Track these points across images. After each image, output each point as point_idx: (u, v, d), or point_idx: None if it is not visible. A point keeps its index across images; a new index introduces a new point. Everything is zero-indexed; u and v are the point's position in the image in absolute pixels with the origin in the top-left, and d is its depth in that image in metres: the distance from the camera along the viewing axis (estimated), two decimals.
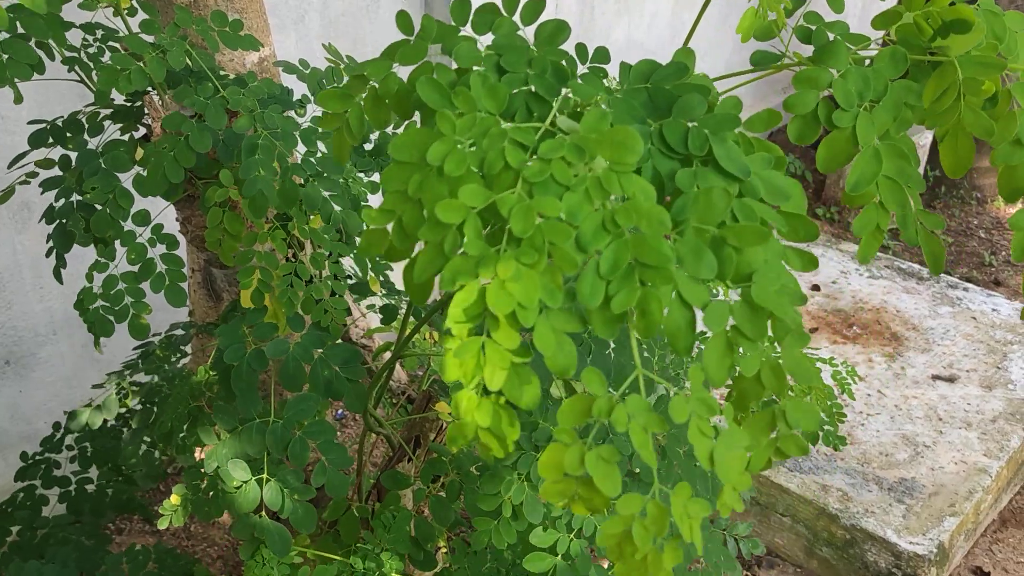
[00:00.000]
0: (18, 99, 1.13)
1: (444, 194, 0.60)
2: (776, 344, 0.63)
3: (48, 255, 1.25)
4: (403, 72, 0.73)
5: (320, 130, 1.22)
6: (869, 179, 0.70)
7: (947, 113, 0.69)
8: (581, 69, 0.73)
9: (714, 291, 0.63)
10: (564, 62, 0.70)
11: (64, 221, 1.18)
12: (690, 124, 0.65)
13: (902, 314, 2.97)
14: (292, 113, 1.33)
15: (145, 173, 1.11)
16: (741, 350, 0.61)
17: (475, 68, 0.68)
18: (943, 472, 2.32)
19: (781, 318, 0.60)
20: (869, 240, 0.74)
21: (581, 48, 0.76)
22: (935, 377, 2.68)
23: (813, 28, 0.73)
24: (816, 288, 3.10)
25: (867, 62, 0.72)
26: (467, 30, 0.74)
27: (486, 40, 0.73)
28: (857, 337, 2.88)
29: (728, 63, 3.66)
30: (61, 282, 1.27)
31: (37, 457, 1.53)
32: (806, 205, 0.67)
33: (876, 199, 0.72)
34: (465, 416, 0.60)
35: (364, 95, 0.72)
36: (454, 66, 0.70)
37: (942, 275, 3.17)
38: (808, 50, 0.78)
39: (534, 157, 0.61)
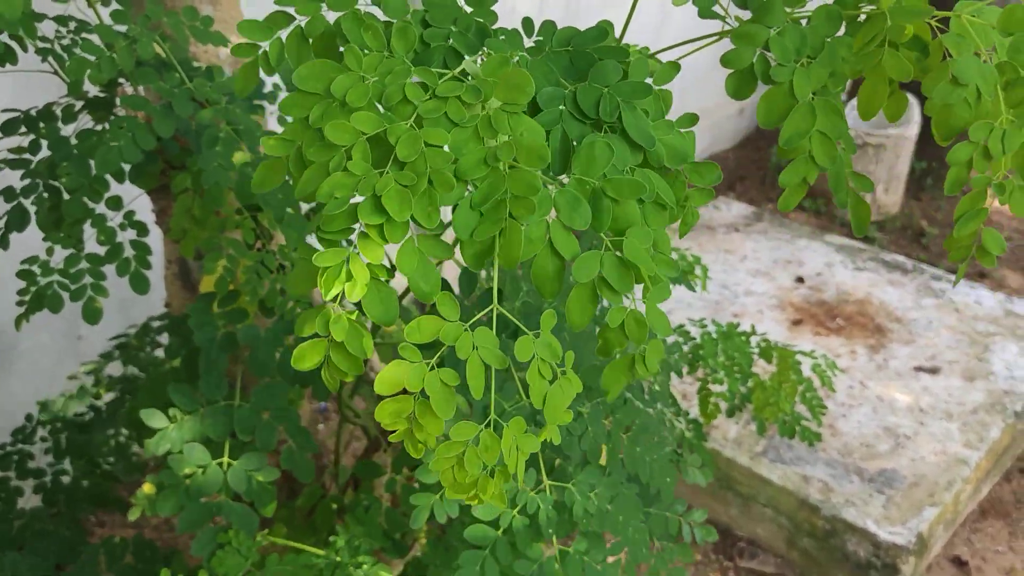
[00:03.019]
0: None
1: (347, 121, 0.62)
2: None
3: None
4: (331, 16, 0.73)
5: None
6: (803, 133, 0.72)
7: (870, 56, 0.72)
8: (527, 42, 0.74)
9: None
10: (490, 24, 0.72)
11: (23, 201, 1.18)
12: (604, 89, 0.66)
13: (886, 306, 2.98)
14: (265, 103, 1.33)
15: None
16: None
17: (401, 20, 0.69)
18: (924, 463, 2.34)
19: (648, 275, 0.63)
20: (792, 191, 0.76)
21: (527, 22, 0.77)
22: (918, 369, 2.70)
23: None
24: (801, 280, 3.11)
25: (804, 23, 0.74)
26: None
27: None
28: (841, 329, 2.89)
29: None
30: None
31: (8, 448, 1.53)
32: (695, 151, 0.70)
33: (807, 152, 0.73)
34: (320, 330, 0.60)
35: (288, 32, 0.72)
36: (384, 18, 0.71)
37: (925, 267, 3.18)
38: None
39: (433, 97, 0.63)
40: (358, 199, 0.60)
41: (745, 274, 3.14)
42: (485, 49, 0.68)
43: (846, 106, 2.99)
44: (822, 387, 2.13)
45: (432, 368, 0.62)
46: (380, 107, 0.65)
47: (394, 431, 0.65)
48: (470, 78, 0.65)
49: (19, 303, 1.25)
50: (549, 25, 0.80)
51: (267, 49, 0.71)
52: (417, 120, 0.62)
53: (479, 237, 0.61)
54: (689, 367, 1.59)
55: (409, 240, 0.61)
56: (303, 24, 0.71)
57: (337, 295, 0.60)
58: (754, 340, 1.67)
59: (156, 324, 1.65)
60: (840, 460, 2.35)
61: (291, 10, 0.72)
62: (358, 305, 0.62)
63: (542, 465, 0.65)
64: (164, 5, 1.42)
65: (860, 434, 2.44)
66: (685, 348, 1.70)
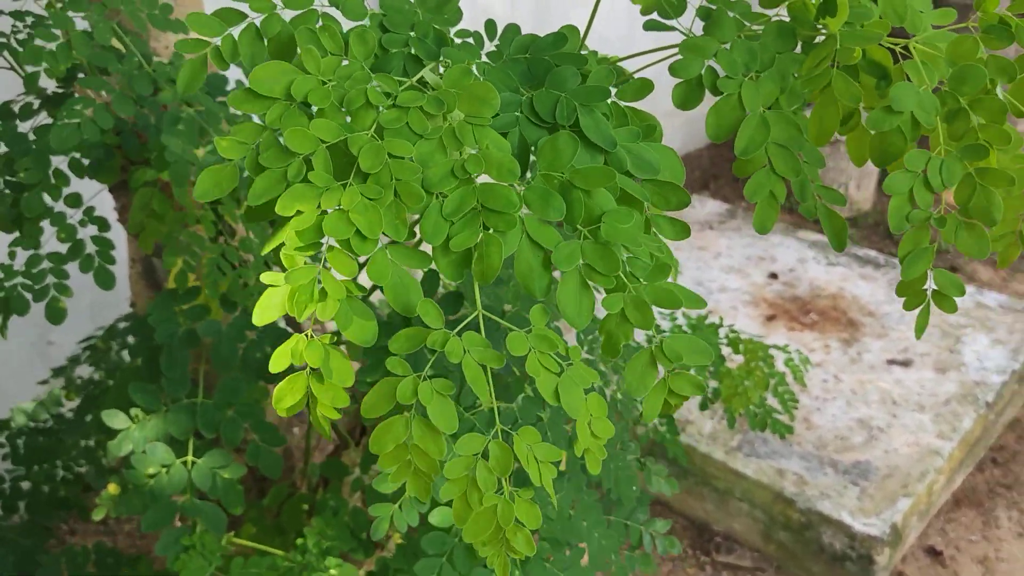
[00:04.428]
0: None
1: (306, 126, 0.60)
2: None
3: None
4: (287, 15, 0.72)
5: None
6: (757, 144, 0.69)
7: (819, 79, 0.70)
8: (488, 46, 0.73)
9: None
10: (451, 32, 0.70)
11: None
12: (561, 95, 0.65)
13: (859, 300, 3.00)
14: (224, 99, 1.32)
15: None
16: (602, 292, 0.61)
17: (359, 24, 0.68)
18: (897, 454, 2.35)
19: (634, 251, 0.60)
20: (764, 207, 0.73)
21: (490, 24, 0.76)
22: (890, 362, 2.71)
23: (714, 8, 0.74)
24: (774, 276, 3.12)
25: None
26: None
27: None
28: (815, 324, 2.90)
29: None
30: None
31: None
32: (683, 173, 0.66)
33: (767, 164, 0.71)
34: (295, 360, 0.58)
35: (242, 28, 0.70)
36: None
37: (897, 261, 3.20)
38: None
39: (394, 106, 0.61)
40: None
41: (719, 271, 3.15)
42: (442, 57, 0.67)
43: None
44: (795, 382, 2.14)
45: (424, 379, 0.60)
46: (342, 111, 0.63)
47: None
48: (430, 88, 0.64)
49: None
50: (512, 29, 0.79)
51: (219, 44, 0.69)
52: (378, 130, 0.61)
53: (456, 247, 0.59)
54: None
55: (381, 251, 0.58)
56: (258, 23, 0.69)
57: (310, 317, 0.57)
58: (722, 331, 1.67)
59: (123, 325, 1.62)
60: (815, 453, 2.36)
61: (244, 7, 0.70)
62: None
63: None
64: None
65: (834, 427, 2.45)
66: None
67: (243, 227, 1.20)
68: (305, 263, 0.57)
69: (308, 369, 0.60)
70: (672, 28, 0.80)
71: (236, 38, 0.70)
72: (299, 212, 0.57)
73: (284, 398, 0.60)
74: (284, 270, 0.58)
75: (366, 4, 0.73)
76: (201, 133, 1.13)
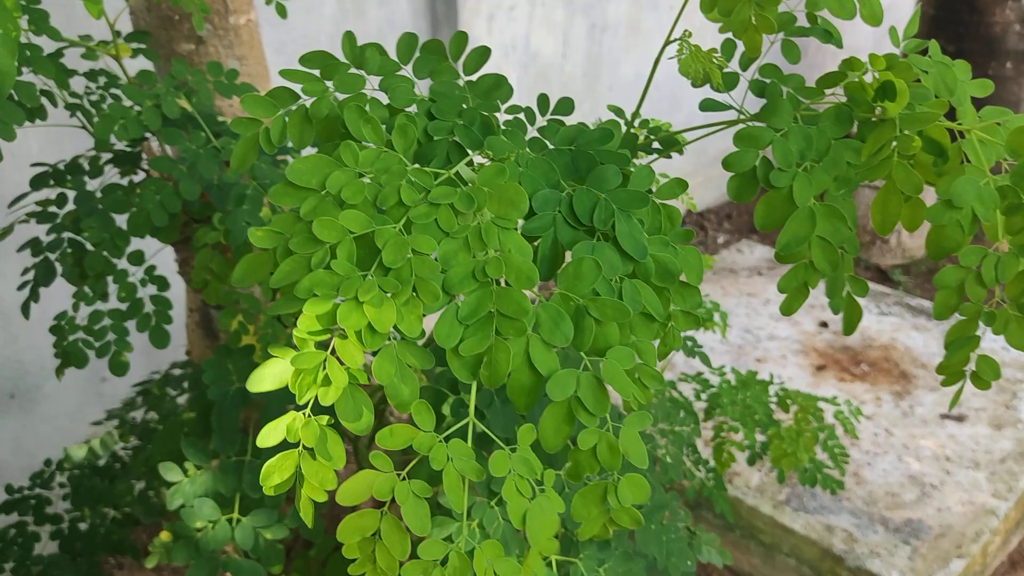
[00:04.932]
0: (9, 136, 1.15)
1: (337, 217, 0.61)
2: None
3: (21, 288, 1.27)
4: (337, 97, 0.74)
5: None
6: (800, 240, 0.70)
7: (880, 168, 0.70)
8: (540, 121, 0.75)
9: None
10: (502, 116, 0.72)
11: (50, 255, 1.21)
12: (601, 195, 0.66)
13: (911, 352, 2.95)
14: (288, 157, 1.36)
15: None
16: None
17: (407, 110, 0.70)
18: (950, 513, 2.29)
19: (625, 400, 0.61)
20: (793, 296, 0.73)
21: (543, 99, 0.78)
22: (944, 416, 2.66)
23: (767, 82, 0.74)
24: (824, 325, 3.08)
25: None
26: (408, 70, 0.75)
27: (427, 83, 0.74)
28: (865, 375, 2.86)
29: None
30: (27, 317, 1.28)
31: (26, 492, 1.55)
32: (702, 271, 0.68)
33: (807, 259, 0.71)
34: (289, 437, 0.59)
35: (292, 109, 0.72)
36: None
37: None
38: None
39: (426, 201, 0.63)
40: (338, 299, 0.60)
41: (768, 318, 3.12)
42: (486, 147, 0.68)
43: None
44: (846, 435, 2.10)
45: (403, 478, 0.61)
46: (374, 206, 0.65)
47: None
48: (466, 183, 0.65)
49: (56, 355, 1.28)
50: (564, 104, 0.79)
51: (269, 126, 0.72)
52: (407, 224, 0.62)
53: (465, 352, 0.60)
54: (705, 414, 1.58)
55: (388, 347, 0.59)
56: (308, 104, 0.72)
57: (308, 400, 0.58)
58: (772, 389, 1.66)
59: (177, 372, 1.66)
60: (865, 509, 2.31)
61: (296, 87, 0.73)
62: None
63: None
64: (191, 62, 1.45)
65: (885, 483, 2.40)
66: (703, 396, 1.69)
67: None
68: (314, 347, 0.59)
69: (300, 447, 0.61)
70: (728, 107, 0.81)
71: (286, 120, 0.73)
72: (315, 296, 0.58)
73: (272, 475, 0.60)
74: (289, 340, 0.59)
75: (416, 88, 0.75)
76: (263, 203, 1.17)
